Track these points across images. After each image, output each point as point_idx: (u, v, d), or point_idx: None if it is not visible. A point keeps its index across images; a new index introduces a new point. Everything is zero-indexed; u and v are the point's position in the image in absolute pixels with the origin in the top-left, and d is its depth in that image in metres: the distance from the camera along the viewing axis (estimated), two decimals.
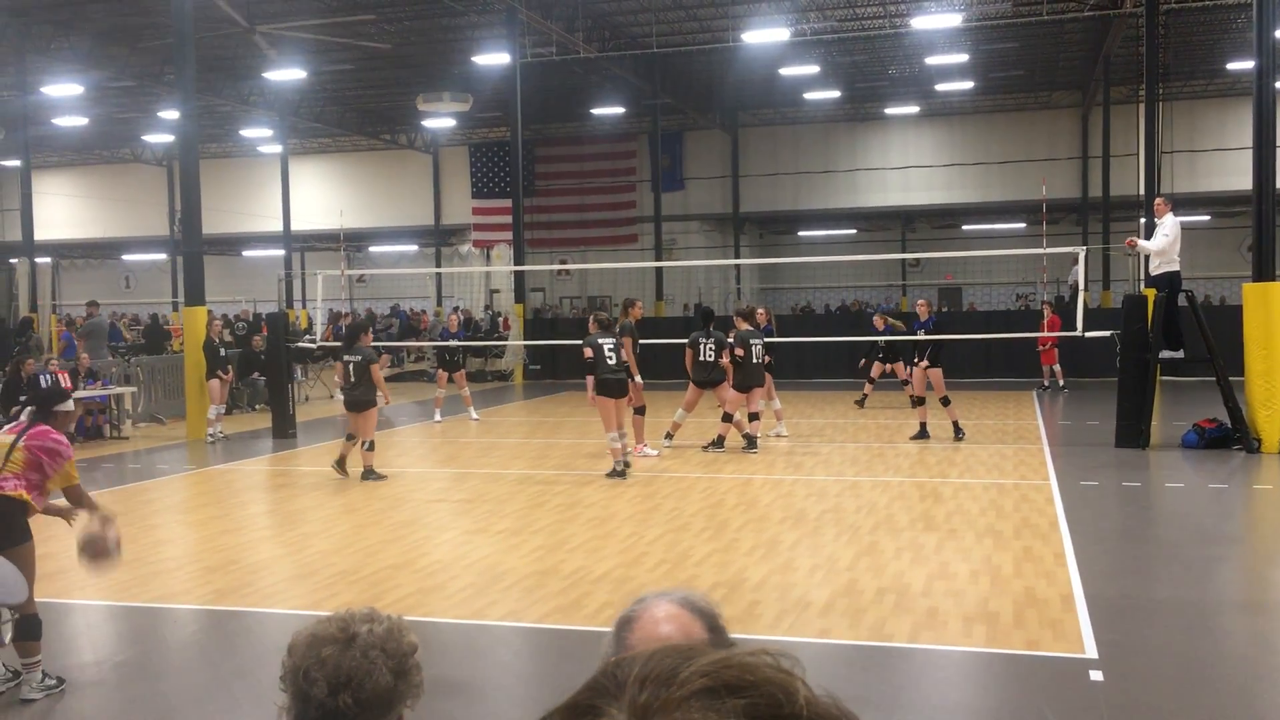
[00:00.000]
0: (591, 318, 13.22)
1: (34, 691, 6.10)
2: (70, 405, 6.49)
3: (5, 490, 5.99)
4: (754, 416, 14.77)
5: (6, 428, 6.24)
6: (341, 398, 13.43)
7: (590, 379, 12.71)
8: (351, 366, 12.97)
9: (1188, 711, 5.67)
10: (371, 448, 12.95)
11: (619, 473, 12.45)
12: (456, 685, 6.07)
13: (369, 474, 12.80)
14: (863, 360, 19.50)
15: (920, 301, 16.08)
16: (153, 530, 10.69)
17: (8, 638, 6.16)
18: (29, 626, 6.11)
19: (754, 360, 14.40)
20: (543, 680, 6.36)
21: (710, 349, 14.51)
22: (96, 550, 5.87)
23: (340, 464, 13.03)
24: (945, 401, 15.24)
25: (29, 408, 6.30)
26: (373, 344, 13.66)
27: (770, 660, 0.87)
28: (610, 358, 12.42)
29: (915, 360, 15.40)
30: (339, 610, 2.27)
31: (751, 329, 14.72)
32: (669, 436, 15.00)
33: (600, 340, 12.52)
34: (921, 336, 15.28)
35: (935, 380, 15.17)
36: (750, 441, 14.52)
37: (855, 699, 0.95)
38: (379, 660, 2.15)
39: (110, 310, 43.19)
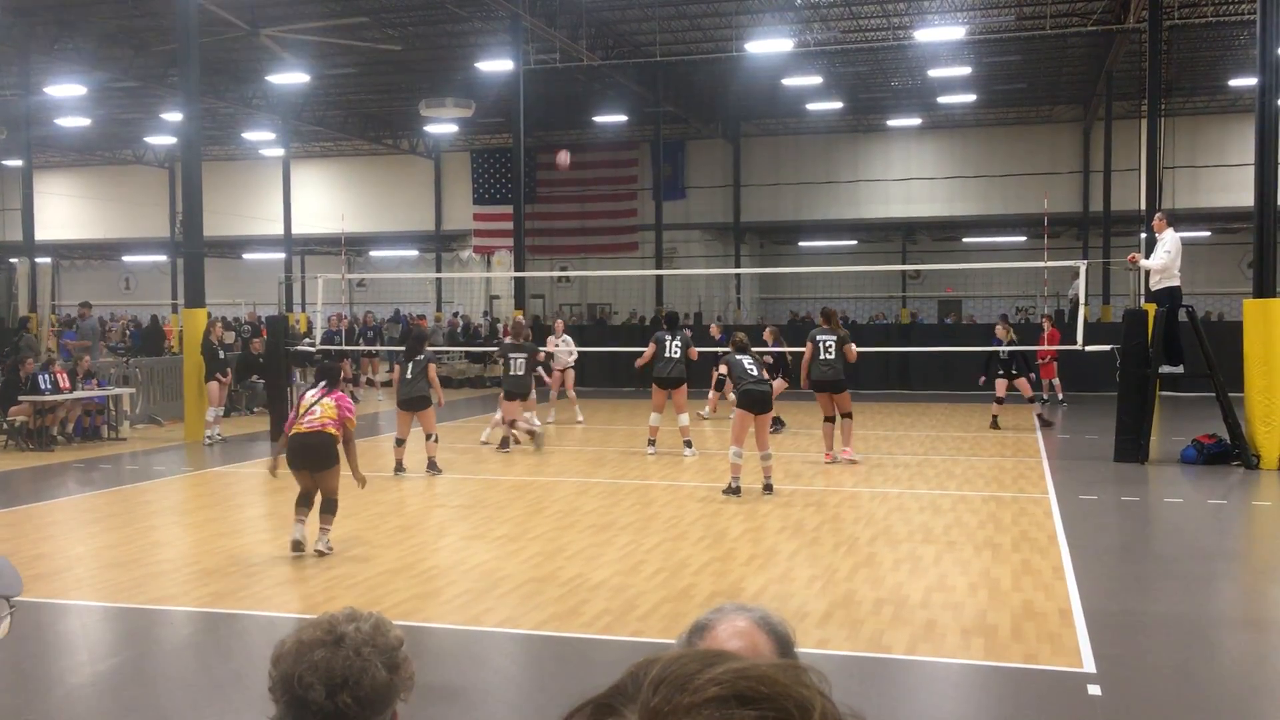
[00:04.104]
0: (735, 338, 12.62)
1: (324, 547, 9.14)
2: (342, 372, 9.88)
3: (330, 429, 9.04)
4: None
5: (313, 393, 9.31)
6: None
7: (713, 395, 12.66)
8: (411, 367, 13.77)
9: None
10: (436, 440, 13.89)
11: (734, 490, 11.87)
12: (452, 691, 6.05)
13: (433, 466, 13.72)
14: (982, 377, 18.98)
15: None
16: (150, 532, 10.67)
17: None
18: (332, 506, 9.25)
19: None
20: (539, 687, 6.34)
21: (676, 347, 15.00)
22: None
23: (428, 463, 13.78)
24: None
25: (322, 381, 9.40)
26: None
27: (793, 674, 0.86)
28: (752, 370, 11.90)
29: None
30: (319, 615, 2.25)
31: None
32: (651, 443, 15.47)
33: (739, 357, 12.07)
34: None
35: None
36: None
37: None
38: (372, 656, 2.13)
39: (109, 311, 43.18)
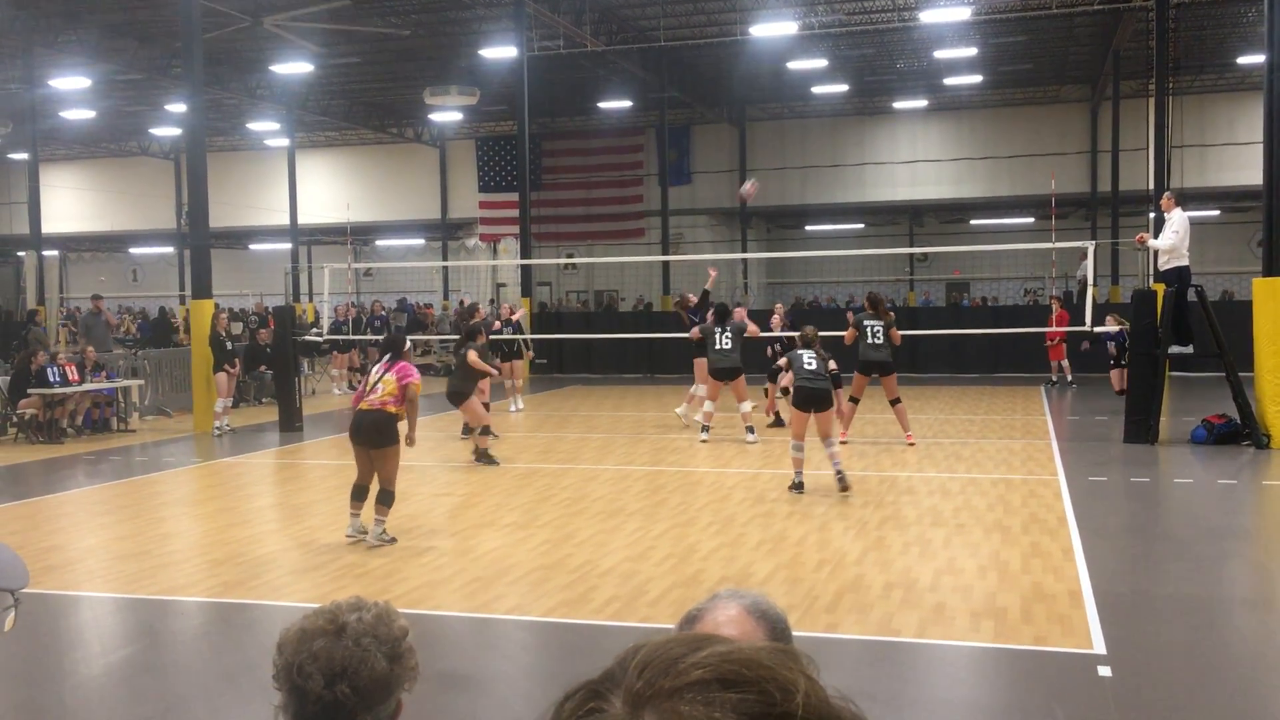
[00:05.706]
0: (803, 332, 12.19)
1: (375, 540, 9.02)
2: (409, 343, 10.11)
3: (389, 408, 9.07)
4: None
5: (377, 368, 9.38)
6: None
7: (771, 389, 12.70)
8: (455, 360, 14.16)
9: (1196, 707, 5.65)
10: (485, 431, 13.69)
11: (798, 486, 11.47)
12: (463, 678, 6.06)
13: (482, 457, 13.57)
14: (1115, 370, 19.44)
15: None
16: (159, 523, 10.71)
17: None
18: (387, 497, 9.13)
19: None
20: (548, 674, 6.35)
21: (727, 338, 14.87)
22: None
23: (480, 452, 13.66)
24: None
25: (388, 354, 9.40)
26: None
27: (779, 657, 0.85)
28: (810, 363, 11.50)
29: None
30: (327, 603, 2.25)
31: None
32: (705, 429, 15.18)
33: (799, 352, 11.75)
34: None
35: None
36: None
37: (862, 694, 0.92)
38: (372, 647, 2.13)
39: (116, 303, 43.27)
